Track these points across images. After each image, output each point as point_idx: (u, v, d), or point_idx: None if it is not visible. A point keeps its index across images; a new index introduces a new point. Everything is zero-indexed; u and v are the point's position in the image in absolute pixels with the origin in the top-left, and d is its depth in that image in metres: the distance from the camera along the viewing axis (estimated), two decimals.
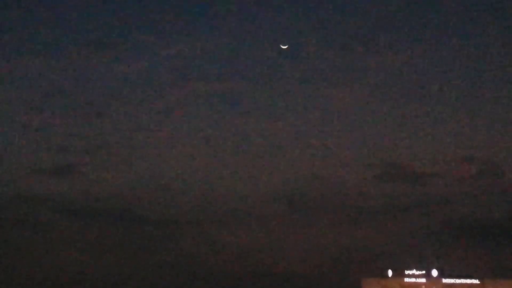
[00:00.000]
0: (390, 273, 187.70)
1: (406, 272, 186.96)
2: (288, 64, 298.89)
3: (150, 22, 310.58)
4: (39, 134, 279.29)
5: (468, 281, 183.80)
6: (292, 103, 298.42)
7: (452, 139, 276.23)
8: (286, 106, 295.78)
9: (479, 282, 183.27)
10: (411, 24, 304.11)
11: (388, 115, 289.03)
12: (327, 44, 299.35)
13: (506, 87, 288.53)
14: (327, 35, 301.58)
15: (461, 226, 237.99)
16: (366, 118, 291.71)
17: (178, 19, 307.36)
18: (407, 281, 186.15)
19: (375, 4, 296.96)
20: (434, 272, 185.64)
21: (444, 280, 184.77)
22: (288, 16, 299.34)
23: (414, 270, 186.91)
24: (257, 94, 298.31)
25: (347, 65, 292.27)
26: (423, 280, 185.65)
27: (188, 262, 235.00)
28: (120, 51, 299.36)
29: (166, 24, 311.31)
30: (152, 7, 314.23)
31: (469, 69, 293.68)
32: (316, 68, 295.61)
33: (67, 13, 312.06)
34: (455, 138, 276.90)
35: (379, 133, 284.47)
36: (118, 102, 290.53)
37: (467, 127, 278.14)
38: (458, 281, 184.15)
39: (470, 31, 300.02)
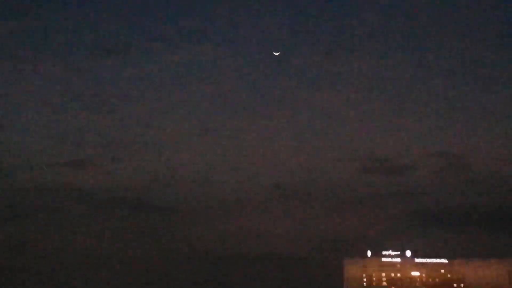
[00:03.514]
0: (369, 253, 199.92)
1: (384, 252, 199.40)
2: (279, 69, 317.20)
3: (156, 31, 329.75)
4: (58, 130, 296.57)
5: (438, 260, 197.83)
6: (283, 103, 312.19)
7: (426, 136, 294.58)
8: (278, 106, 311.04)
9: (447, 262, 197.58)
10: (390, 33, 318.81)
11: (370, 114, 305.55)
12: (313, 51, 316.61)
13: (479, 87, 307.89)
14: (314, 43, 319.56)
15: (432, 213, 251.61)
16: (350, 117, 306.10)
17: (180, 29, 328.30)
18: (384, 260, 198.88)
19: (357, 15, 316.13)
20: (408, 253, 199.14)
21: (417, 260, 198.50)
22: (279, 26, 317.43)
23: (390, 251, 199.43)
24: (251, 96, 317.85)
25: (332, 69, 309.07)
26: (398, 259, 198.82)
27: (189, 246, 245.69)
28: (130, 57, 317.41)
29: (170, 33, 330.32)
30: (158, 18, 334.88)
31: (444, 71, 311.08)
32: (304, 72, 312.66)
33: (83, 22, 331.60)
34: (429, 135, 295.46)
35: (361, 130, 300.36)
36: (128, 102, 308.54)
37: (439, 126, 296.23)
38: (429, 260, 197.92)
39: (447, 35, 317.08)
